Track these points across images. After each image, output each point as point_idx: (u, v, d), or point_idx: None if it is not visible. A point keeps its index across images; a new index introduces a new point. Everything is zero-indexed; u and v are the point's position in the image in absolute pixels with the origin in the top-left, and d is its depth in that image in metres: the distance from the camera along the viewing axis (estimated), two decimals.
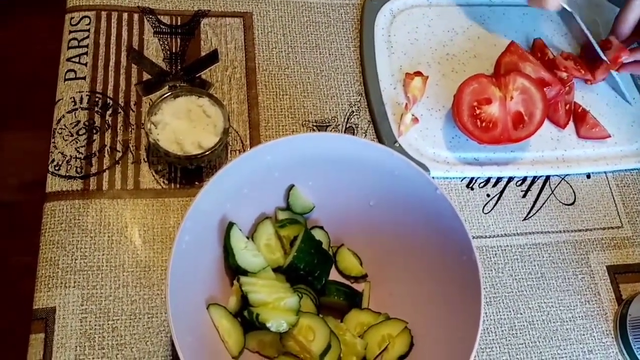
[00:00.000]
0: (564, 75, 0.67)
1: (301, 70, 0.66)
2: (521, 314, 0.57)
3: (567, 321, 0.58)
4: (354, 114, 0.65)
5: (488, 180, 0.64)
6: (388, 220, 0.53)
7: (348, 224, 0.55)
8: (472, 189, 0.63)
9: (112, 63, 0.62)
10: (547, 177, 0.65)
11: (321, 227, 0.54)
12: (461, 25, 0.71)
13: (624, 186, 0.66)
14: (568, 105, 0.67)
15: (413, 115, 0.64)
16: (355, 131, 0.64)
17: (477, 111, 0.61)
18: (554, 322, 0.58)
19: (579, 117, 0.67)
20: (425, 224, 0.50)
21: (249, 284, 0.45)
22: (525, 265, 0.60)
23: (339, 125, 0.64)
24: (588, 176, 0.66)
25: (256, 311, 0.44)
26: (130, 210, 0.55)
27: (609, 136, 0.67)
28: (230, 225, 0.48)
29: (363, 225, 0.54)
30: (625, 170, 0.67)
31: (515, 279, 0.59)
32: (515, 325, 0.57)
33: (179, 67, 0.63)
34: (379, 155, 0.50)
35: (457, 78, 0.67)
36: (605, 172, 0.67)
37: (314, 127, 0.63)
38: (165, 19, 0.66)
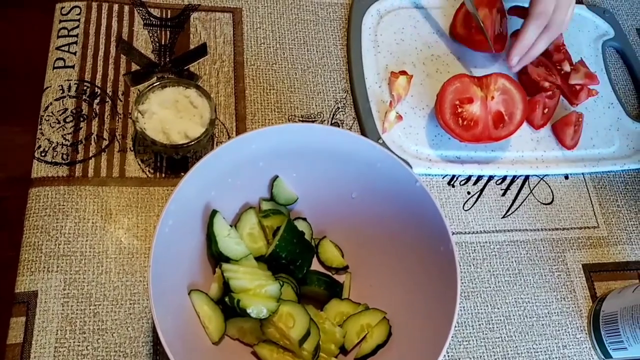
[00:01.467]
0: (546, 84, 0.69)
1: (289, 66, 0.67)
2: (498, 308, 0.59)
3: (542, 317, 0.59)
4: (340, 110, 0.66)
5: (469, 178, 0.65)
6: (370, 213, 0.54)
7: (331, 216, 0.56)
8: (453, 186, 0.65)
9: (101, 53, 0.62)
10: (527, 177, 0.67)
11: (304, 219, 0.55)
12: (446, 27, 0.73)
13: (601, 187, 0.68)
14: (547, 110, 0.69)
15: (397, 113, 0.65)
16: (341, 127, 0.65)
17: (459, 110, 0.63)
18: (530, 318, 0.59)
19: (558, 98, 0.69)
20: (405, 216, 0.51)
21: (230, 271, 0.46)
22: (503, 262, 0.61)
23: (324, 120, 0.65)
24: (566, 177, 0.68)
25: (237, 297, 0.45)
26: (115, 198, 0.55)
27: (569, 149, 0.68)
28: (214, 212, 0.48)
29: (345, 217, 0.55)
30: (602, 172, 0.69)
31: (493, 275, 0.60)
32: (492, 320, 0.58)
33: (168, 59, 0.64)
34: (362, 148, 0.51)
35: (441, 78, 0.69)
36: (582, 174, 0.69)
37: (300, 122, 0.64)
38: (156, 12, 0.66)
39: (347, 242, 0.56)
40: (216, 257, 0.48)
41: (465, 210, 0.63)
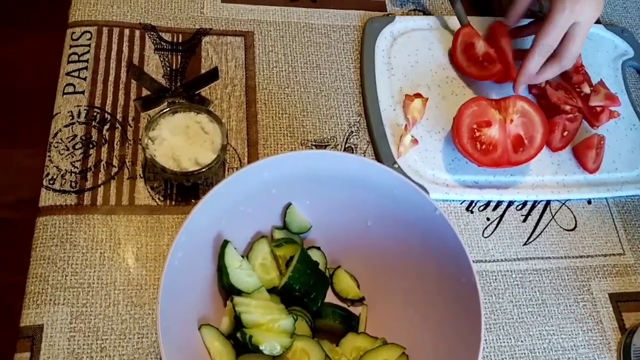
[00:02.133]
0: (567, 107, 0.67)
1: (301, 89, 0.66)
2: (522, 341, 0.56)
3: (568, 350, 0.56)
4: (353, 134, 0.64)
5: (488, 203, 0.63)
6: (386, 241, 0.52)
7: (345, 245, 0.54)
8: (471, 212, 0.62)
9: (111, 78, 0.62)
10: (548, 202, 0.64)
11: (318, 248, 0.53)
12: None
13: (625, 212, 0.66)
14: (567, 133, 0.66)
15: (412, 136, 0.63)
16: (355, 151, 0.63)
17: (477, 133, 0.61)
18: (555, 351, 0.56)
19: (580, 122, 0.67)
20: (424, 246, 0.49)
21: (242, 304, 0.44)
22: (526, 291, 0.59)
23: (338, 145, 0.63)
24: (589, 202, 0.66)
25: (249, 333, 0.43)
26: (124, 227, 0.54)
27: (591, 172, 0.66)
28: (225, 243, 0.46)
29: (361, 246, 0.53)
30: (627, 196, 0.67)
31: (516, 305, 0.58)
32: (515, 353, 0.55)
33: (179, 84, 0.63)
34: (378, 175, 0.49)
35: (457, 100, 0.67)
36: (606, 198, 0.66)
37: (313, 147, 0.63)
38: (167, 36, 0.66)
39: (363, 272, 0.54)
40: (227, 290, 0.47)
41: (485, 238, 0.61)
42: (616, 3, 0.83)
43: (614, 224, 0.65)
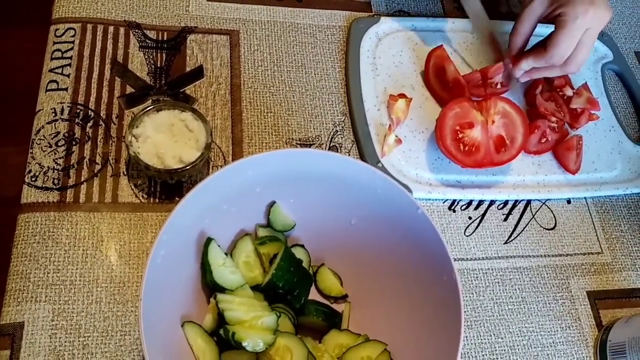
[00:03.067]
0: (553, 120, 0.67)
1: (286, 88, 0.66)
2: (502, 338, 0.57)
3: (547, 346, 0.57)
4: (338, 133, 0.65)
5: (470, 202, 0.64)
6: (369, 240, 0.53)
7: (329, 243, 0.54)
8: (454, 211, 0.63)
9: (95, 75, 0.61)
10: (528, 202, 0.65)
11: (302, 246, 0.54)
12: (447, 49, 0.72)
13: (604, 212, 0.67)
14: (545, 140, 0.67)
15: (396, 136, 0.64)
16: (339, 150, 0.64)
17: (460, 135, 0.62)
18: (534, 347, 0.57)
19: (563, 135, 0.68)
20: (406, 244, 0.50)
21: (225, 302, 0.44)
22: (506, 289, 0.60)
23: (322, 144, 0.64)
24: (568, 201, 0.67)
25: (232, 329, 0.43)
26: (107, 224, 0.54)
27: (573, 173, 0.67)
28: (209, 240, 0.47)
29: (344, 244, 0.54)
30: (605, 196, 0.68)
31: (497, 303, 0.59)
32: (496, 350, 0.56)
33: (163, 82, 0.63)
34: (362, 173, 0.50)
35: (441, 101, 0.68)
36: (585, 198, 0.67)
37: (298, 145, 0.63)
38: (152, 34, 0.66)
39: (346, 270, 0.54)
40: (211, 287, 0.47)
41: (467, 236, 0.62)
42: None
43: (593, 224, 0.66)
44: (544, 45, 0.62)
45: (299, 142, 0.63)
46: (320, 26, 0.72)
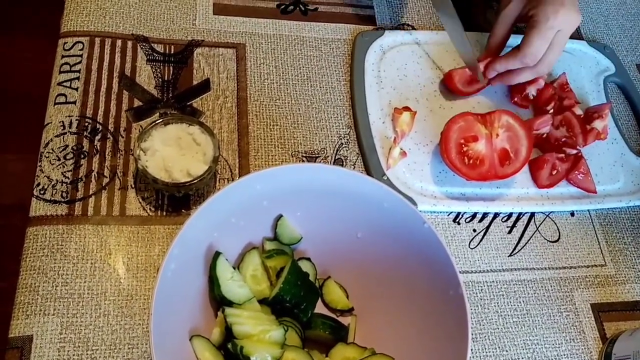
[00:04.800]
0: (568, 150, 0.67)
1: (292, 101, 0.67)
2: (507, 351, 0.57)
3: (552, 359, 0.58)
4: (343, 146, 0.66)
5: (474, 215, 0.64)
6: (375, 253, 0.53)
7: (335, 256, 0.55)
8: (458, 223, 0.64)
9: (103, 89, 0.62)
10: (532, 214, 0.66)
11: (308, 259, 0.54)
12: (449, 63, 0.73)
13: (607, 225, 0.68)
14: (556, 172, 0.67)
15: (401, 149, 0.65)
16: (344, 163, 0.64)
17: (464, 148, 0.62)
18: None
19: (573, 160, 0.68)
20: (412, 258, 0.50)
21: (233, 315, 0.45)
22: (510, 302, 0.60)
23: (328, 157, 0.64)
24: (572, 214, 0.67)
25: (240, 343, 0.43)
26: (114, 237, 0.54)
27: (595, 192, 0.67)
28: (217, 254, 0.47)
29: (350, 257, 0.54)
30: (608, 209, 0.68)
31: (501, 316, 0.59)
32: None
33: (171, 95, 0.64)
34: (368, 188, 0.50)
35: (445, 114, 0.69)
36: (588, 211, 0.68)
37: (304, 158, 0.64)
38: (159, 47, 0.66)
39: (353, 283, 0.55)
40: (218, 301, 0.47)
41: (472, 249, 0.62)
42: (598, 20, 0.85)
43: (596, 236, 0.66)
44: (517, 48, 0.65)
45: (304, 155, 0.64)
46: (325, 39, 0.72)
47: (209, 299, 0.48)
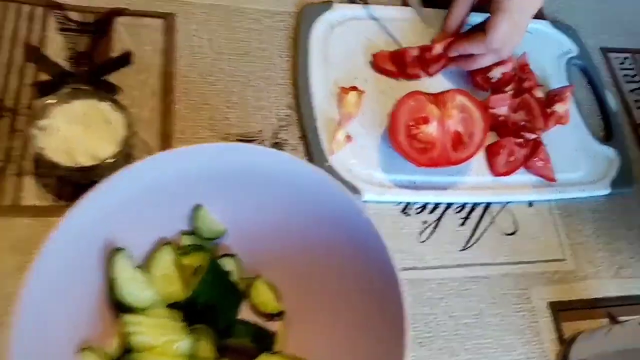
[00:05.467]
0: (527, 135, 0.62)
1: (227, 79, 0.60)
2: (457, 356, 0.52)
3: None
4: (283, 128, 0.59)
5: (425, 205, 0.59)
6: (311, 249, 0.47)
7: (266, 252, 0.48)
8: (407, 214, 0.58)
9: (3, 60, 0.54)
10: (488, 205, 0.61)
11: (233, 255, 0.47)
12: (405, 41, 0.67)
13: (567, 216, 0.63)
14: (514, 159, 0.62)
15: (347, 132, 0.58)
16: (283, 147, 0.58)
17: (414, 131, 0.56)
18: None
19: (532, 146, 0.63)
20: (350, 253, 0.44)
21: (133, 324, 0.38)
22: (462, 301, 0.55)
23: (265, 140, 0.58)
24: (530, 204, 0.62)
25: (138, 358, 0.36)
26: (4, 231, 0.46)
27: (554, 180, 0.62)
28: (116, 251, 0.40)
29: (283, 253, 0.48)
30: (569, 199, 0.64)
31: (452, 317, 0.53)
32: None
33: (85, 69, 0.56)
34: (304, 173, 0.44)
35: (397, 95, 0.62)
36: (548, 201, 0.63)
37: (237, 142, 0.57)
38: (74, 16, 0.58)
39: (286, 283, 0.48)
40: (118, 305, 0.40)
41: (421, 242, 0.57)
42: (562, 0, 0.81)
43: (556, 229, 0.62)
44: (480, 30, 0.60)
45: (238, 138, 0.57)
46: (267, 11, 0.65)
47: (107, 304, 0.41)
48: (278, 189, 0.45)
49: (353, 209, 0.43)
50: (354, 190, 0.56)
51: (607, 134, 0.70)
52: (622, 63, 0.78)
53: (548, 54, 0.73)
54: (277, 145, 0.58)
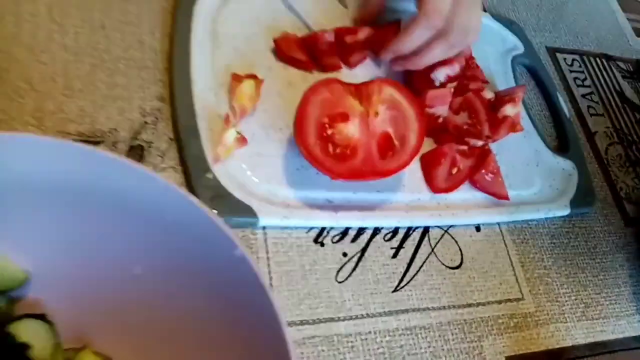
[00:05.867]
0: (472, 142, 0.50)
1: (69, 57, 0.43)
2: None
3: None
4: (148, 126, 0.42)
5: (346, 232, 0.44)
6: (165, 300, 0.31)
7: (98, 309, 0.31)
8: (322, 244, 0.43)
9: None
10: (426, 229, 0.47)
11: (41, 316, 0.30)
12: (318, 21, 0.53)
13: (522, 242, 0.50)
14: (457, 171, 0.49)
15: (239, 133, 0.43)
16: (146, 151, 0.41)
17: (329, 131, 0.42)
18: None
19: (479, 156, 0.50)
20: (219, 305, 0.29)
21: None
22: None
23: (119, 142, 0.41)
24: (477, 228, 0.49)
25: None
26: None
27: (507, 197, 0.50)
28: None
29: (124, 309, 0.31)
30: (523, 221, 0.51)
31: None
32: None
33: None
34: (153, 191, 0.28)
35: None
36: (498, 224, 0.50)
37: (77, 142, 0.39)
38: None
39: (128, 353, 0.31)
40: None
41: (340, 283, 0.42)
42: None
43: (509, 258, 0.49)
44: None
45: (78, 138, 0.40)
46: None
47: None
48: (118, 213, 0.29)
49: (224, 242, 0.27)
50: (248, 212, 0.40)
51: (562, 144, 0.59)
52: (570, 65, 0.68)
53: (491, 50, 0.62)
54: (137, 149, 0.41)
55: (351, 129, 0.42)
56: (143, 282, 0.31)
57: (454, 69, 0.53)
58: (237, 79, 0.45)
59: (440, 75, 0.52)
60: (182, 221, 0.28)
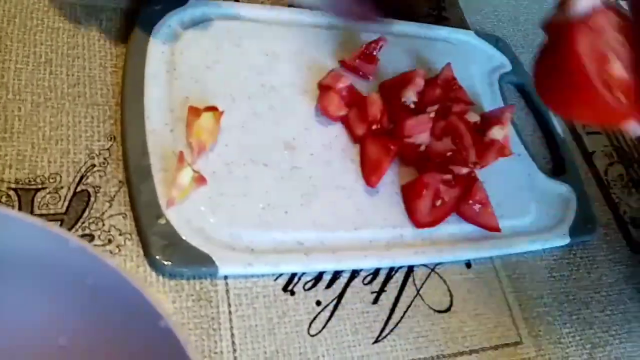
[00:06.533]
0: (458, 169, 0.46)
1: (8, 96, 0.39)
2: None
3: None
4: (96, 168, 0.38)
5: (319, 277, 0.39)
6: None
7: None
8: (292, 293, 0.38)
9: None
10: (410, 269, 0.42)
11: None
12: (285, 49, 0.49)
13: (518, 278, 0.46)
14: (441, 203, 0.44)
15: (196, 171, 0.39)
16: (93, 198, 0.37)
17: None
18: None
19: (465, 184, 0.46)
20: None
21: None
22: None
23: (63, 187, 0.37)
24: (468, 265, 0.45)
25: None
26: None
27: (498, 229, 0.46)
28: None
29: None
30: (517, 254, 0.47)
31: None
32: None
33: None
34: (60, 249, 0.24)
35: (278, 118, 0.45)
36: (491, 259, 0.46)
37: (11, 191, 0.36)
38: None
39: None
40: None
41: (312, 336, 0.37)
42: (486, 10, 0.67)
43: (505, 297, 0.44)
44: None
45: (15, 186, 0.36)
46: (88, 6, 0.46)
47: None
48: (36, 281, 0.25)
49: (147, 313, 0.23)
50: (206, 260, 0.36)
51: (557, 167, 0.55)
52: None
53: (476, 69, 0.58)
54: (82, 194, 0.37)
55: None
56: (69, 354, 0.26)
57: (417, 85, 0.48)
58: (194, 112, 0.41)
59: (410, 96, 0.48)
60: (104, 286, 0.24)
